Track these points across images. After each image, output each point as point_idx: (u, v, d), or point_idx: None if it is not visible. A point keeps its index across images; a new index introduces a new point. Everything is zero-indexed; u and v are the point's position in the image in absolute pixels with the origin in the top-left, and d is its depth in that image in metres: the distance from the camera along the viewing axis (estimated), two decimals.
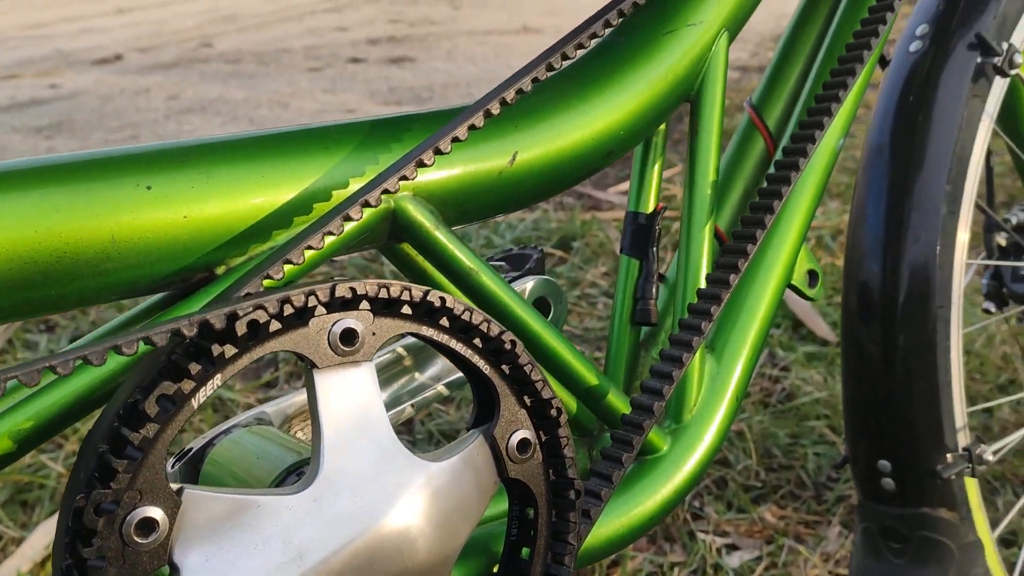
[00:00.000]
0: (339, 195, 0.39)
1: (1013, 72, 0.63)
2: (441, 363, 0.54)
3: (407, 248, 0.42)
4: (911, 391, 0.61)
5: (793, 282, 0.55)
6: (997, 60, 0.62)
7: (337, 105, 3.36)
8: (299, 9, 6.00)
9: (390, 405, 0.51)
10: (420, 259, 0.43)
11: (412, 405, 0.52)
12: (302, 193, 0.39)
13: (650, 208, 0.54)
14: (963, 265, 0.65)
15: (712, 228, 0.53)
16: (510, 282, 0.59)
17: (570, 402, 0.48)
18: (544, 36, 4.66)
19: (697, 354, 0.50)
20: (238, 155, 0.39)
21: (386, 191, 0.39)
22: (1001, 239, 0.82)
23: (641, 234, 0.54)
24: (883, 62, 0.68)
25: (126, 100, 3.48)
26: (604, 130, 0.47)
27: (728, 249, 0.52)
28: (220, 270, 0.37)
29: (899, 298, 0.62)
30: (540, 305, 0.57)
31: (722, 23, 0.51)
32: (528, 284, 0.57)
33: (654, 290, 0.53)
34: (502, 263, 0.62)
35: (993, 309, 0.83)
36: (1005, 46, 0.63)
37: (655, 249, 0.54)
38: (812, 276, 0.56)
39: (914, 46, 0.65)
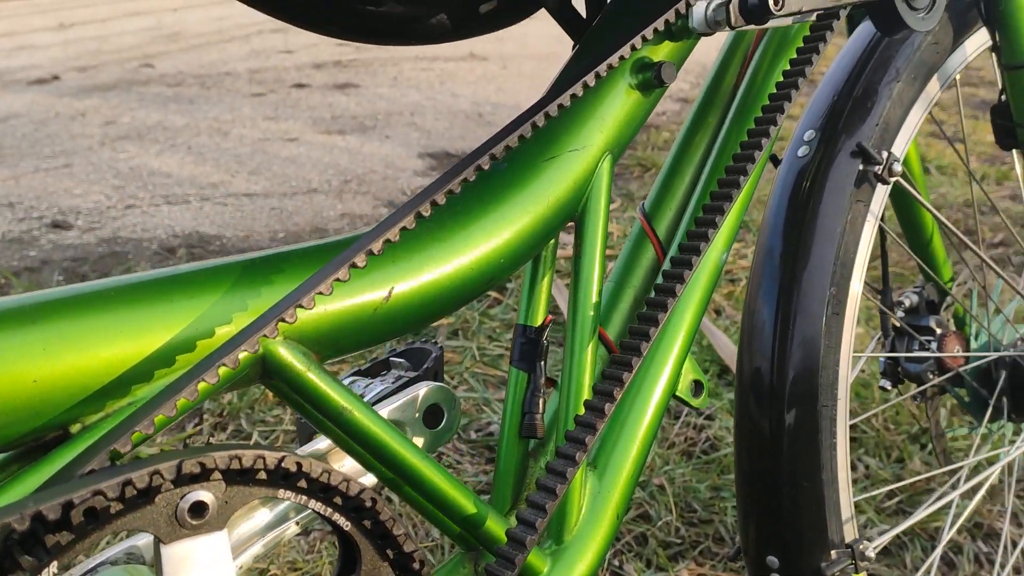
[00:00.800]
0: (205, 345, 0.39)
1: (893, 179, 0.66)
2: None
3: (281, 385, 0.43)
4: (796, 490, 0.63)
5: (678, 393, 0.57)
6: (878, 168, 0.65)
7: (279, 133, 3.34)
8: (245, 29, 5.95)
9: (274, 525, 0.51)
10: (294, 395, 0.43)
11: (297, 523, 0.52)
12: (164, 345, 0.39)
13: (539, 321, 0.55)
14: (850, 360, 0.67)
15: (595, 343, 0.55)
16: (404, 386, 0.60)
17: (452, 525, 0.48)
18: (489, 63, 4.69)
19: (579, 472, 0.51)
20: (94, 306, 0.38)
21: (257, 338, 0.39)
22: (896, 320, 0.85)
23: (529, 348, 0.55)
24: (775, 161, 0.71)
25: (60, 125, 3.41)
26: (484, 259, 0.48)
27: (615, 360, 0.53)
28: (75, 428, 0.37)
29: (784, 399, 0.64)
30: (433, 412, 0.58)
31: (604, 147, 0.52)
32: (421, 391, 0.58)
33: (541, 404, 0.54)
34: (400, 359, 0.63)
35: (889, 387, 0.86)
36: (885, 155, 0.65)
37: (543, 363, 0.55)
38: (697, 386, 0.58)
39: (802, 151, 0.67)
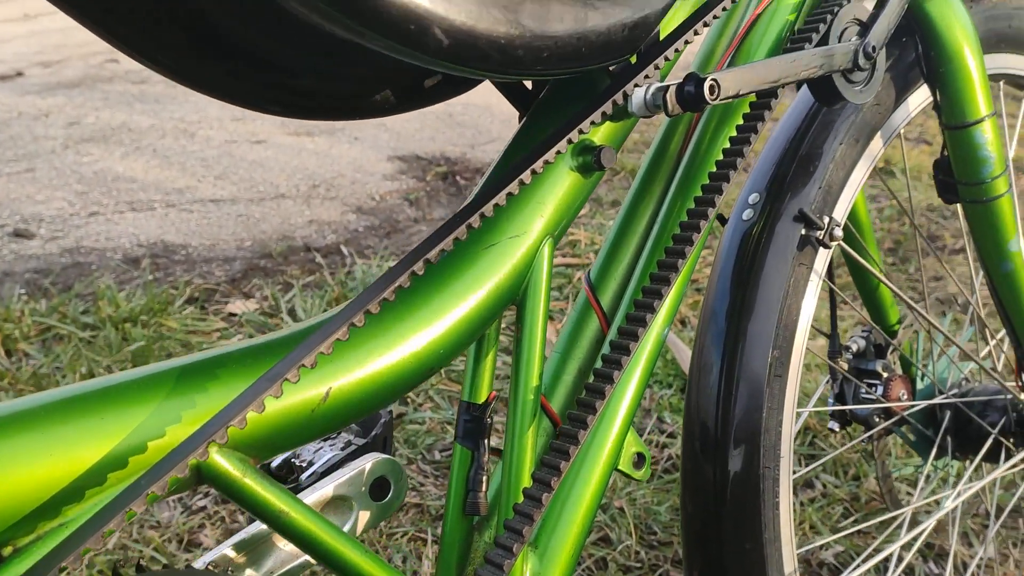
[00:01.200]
0: (138, 462, 0.40)
1: (834, 243, 0.67)
2: (274, 557, 0.54)
3: (218, 488, 0.43)
4: (738, 550, 0.64)
5: (620, 467, 0.58)
6: (819, 233, 0.66)
7: (246, 135, 3.31)
8: None
9: None
10: (232, 497, 0.43)
11: None
12: (96, 463, 0.39)
13: (482, 398, 0.56)
14: (794, 417, 0.68)
15: (539, 416, 0.55)
16: (353, 454, 0.60)
17: None
18: None
19: (521, 553, 0.52)
20: (23, 424, 0.38)
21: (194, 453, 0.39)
22: (843, 363, 0.87)
23: (474, 425, 0.56)
24: (722, 220, 0.72)
25: (23, 126, 3.36)
26: (424, 350, 0.49)
27: (561, 432, 0.54)
28: (7, 551, 0.37)
29: (727, 461, 0.65)
30: (380, 485, 0.58)
31: (545, 232, 0.53)
32: (368, 464, 0.58)
33: (484, 481, 0.55)
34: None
35: (837, 428, 0.88)
36: (826, 220, 0.66)
37: (487, 440, 0.55)
38: (640, 458, 0.59)
39: (746, 214, 0.68)
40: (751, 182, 0.69)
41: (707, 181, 0.58)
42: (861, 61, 0.60)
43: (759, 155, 0.71)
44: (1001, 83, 0.87)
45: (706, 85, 0.50)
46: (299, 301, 1.98)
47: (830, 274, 0.77)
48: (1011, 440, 0.85)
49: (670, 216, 0.61)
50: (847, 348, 0.86)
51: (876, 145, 0.73)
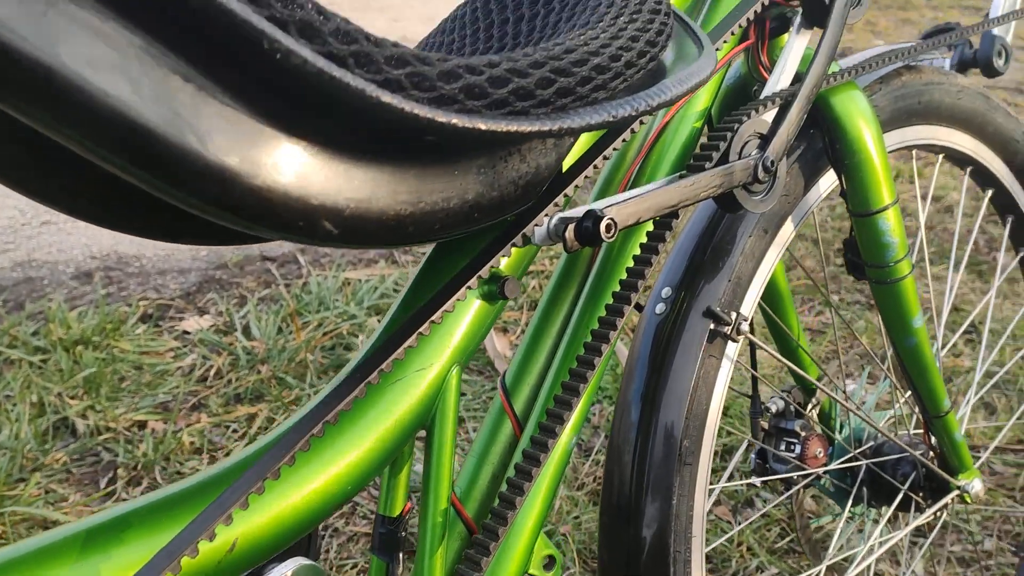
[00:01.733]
0: None
1: (741, 337, 0.70)
2: None
3: None
4: None
5: (531, 570, 0.61)
6: (726, 328, 0.69)
7: None
8: None
9: None
10: None
11: None
12: None
13: (397, 511, 0.58)
14: (705, 498, 0.72)
15: (450, 532, 0.58)
16: (278, 558, 0.63)
17: None
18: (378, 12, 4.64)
19: None
20: None
21: None
22: (764, 422, 0.90)
23: (389, 537, 0.58)
24: (639, 308, 0.75)
25: None
26: (332, 484, 0.51)
27: (475, 542, 0.57)
28: None
29: (641, 546, 0.68)
30: None
31: (452, 361, 0.55)
32: (289, 570, 0.61)
33: None
34: None
35: (759, 483, 0.92)
36: (734, 316, 0.69)
37: (401, 553, 0.58)
38: (551, 560, 0.62)
39: (659, 308, 0.71)
40: (664, 276, 0.72)
41: (611, 301, 0.61)
42: (761, 175, 0.62)
43: (673, 248, 0.74)
44: (913, 151, 0.91)
45: (602, 224, 0.52)
46: (253, 318, 1.98)
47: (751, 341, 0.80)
48: (920, 495, 0.90)
49: (579, 327, 0.63)
50: (767, 409, 0.89)
51: (787, 231, 0.76)
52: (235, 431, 1.59)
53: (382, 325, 0.55)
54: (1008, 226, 1.03)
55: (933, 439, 0.88)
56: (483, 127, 0.40)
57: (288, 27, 0.36)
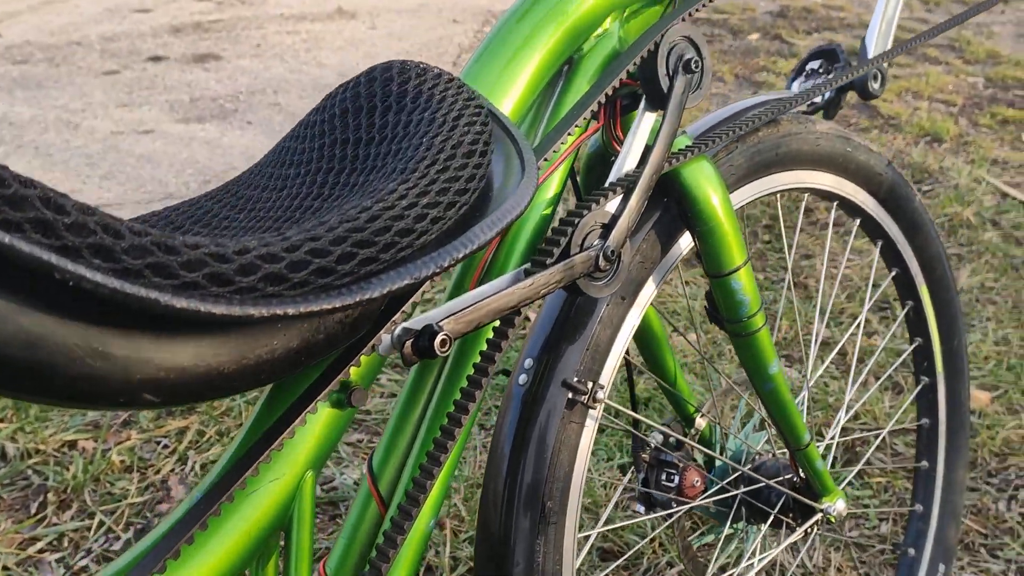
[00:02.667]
0: None
1: (597, 404, 0.75)
2: None
3: None
4: None
5: None
6: (583, 398, 0.74)
7: (133, 124, 3.24)
8: None
9: None
10: None
11: None
12: None
13: None
14: (574, 550, 0.77)
15: None
16: None
17: None
18: (357, 22, 4.58)
19: None
20: None
21: None
22: (646, 455, 0.96)
23: None
24: (507, 373, 0.79)
25: None
26: None
27: None
28: None
29: None
30: None
31: (304, 468, 0.59)
32: None
33: None
34: None
35: (642, 511, 0.98)
36: (590, 385, 0.74)
37: None
38: None
39: (522, 379, 0.75)
40: (526, 347, 0.76)
41: (465, 384, 0.65)
42: (602, 264, 0.67)
43: (535, 319, 0.78)
44: (778, 196, 0.95)
45: (437, 340, 0.56)
46: None
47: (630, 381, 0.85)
48: (790, 515, 0.97)
49: (437, 410, 0.68)
50: (646, 444, 0.95)
51: (647, 292, 0.81)
52: (165, 447, 1.62)
53: (236, 441, 0.59)
54: (879, 248, 1.09)
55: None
56: (283, 312, 0.43)
57: (81, 251, 0.39)
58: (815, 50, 1.08)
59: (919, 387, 1.17)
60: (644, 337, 0.94)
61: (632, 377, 0.95)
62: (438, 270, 0.48)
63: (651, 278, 0.81)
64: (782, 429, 0.90)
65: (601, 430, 1.57)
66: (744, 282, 0.81)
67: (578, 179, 0.83)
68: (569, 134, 0.70)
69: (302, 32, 4.37)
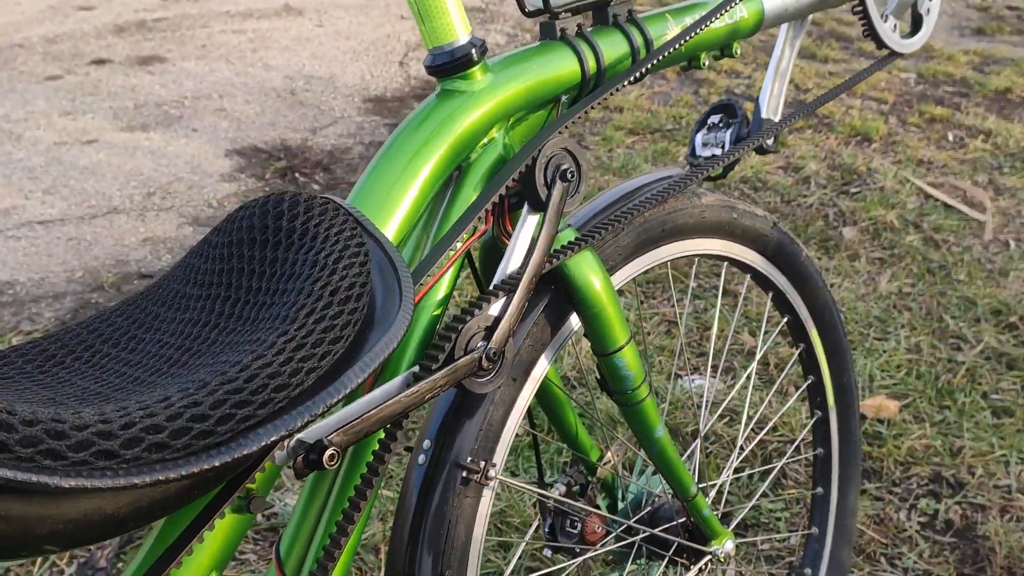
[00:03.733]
0: None
1: (491, 482, 0.82)
2: None
3: None
4: None
5: None
6: (476, 476, 0.81)
7: (76, 133, 3.23)
8: None
9: None
10: None
11: None
12: None
13: None
14: None
15: None
16: None
17: None
18: (304, 20, 4.57)
19: None
20: None
21: None
22: (550, 503, 1.04)
23: None
24: (409, 449, 0.86)
25: None
26: None
27: None
28: None
29: None
30: None
31: (208, 569, 0.66)
32: None
33: None
34: None
35: (550, 554, 1.06)
36: (483, 464, 0.81)
37: None
38: None
39: (421, 458, 0.82)
40: (426, 429, 0.83)
41: (364, 471, 0.72)
42: (485, 365, 0.74)
43: (433, 403, 0.85)
44: (668, 263, 1.03)
45: (325, 455, 0.63)
46: None
47: (533, 411, 0.91)
48: (684, 556, 1.05)
49: (337, 501, 0.74)
50: (557, 488, 1.03)
51: (539, 369, 0.88)
52: None
53: (144, 550, 0.65)
54: (770, 298, 1.17)
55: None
56: (166, 477, 0.50)
57: None
58: (715, 105, 1.15)
59: (814, 419, 1.26)
60: (543, 399, 1.01)
61: (537, 440, 1.02)
62: (311, 419, 0.55)
63: (543, 357, 0.88)
64: (670, 483, 0.98)
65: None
66: (628, 359, 0.88)
67: (477, 268, 0.89)
68: (458, 240, 0.76)
69: (248, 31, 4.36)
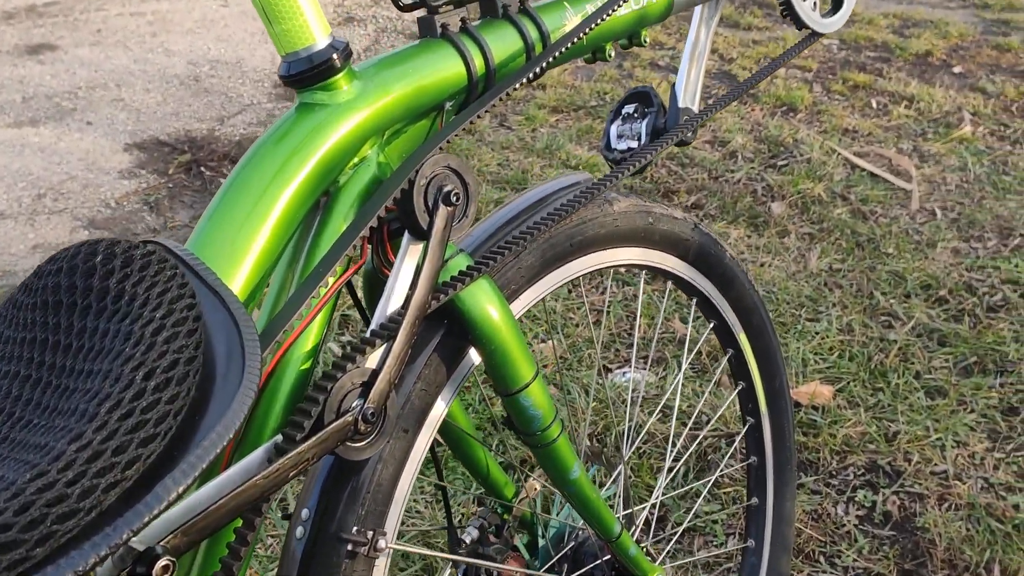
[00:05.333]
0: None
1: (381, 553, 0.72)
2: None
3: None
4: None
5: None
6: (364, 548, 0.71)
7: None
8: None
9: None
10: None
11: None
12: None
13: None
14: None
15: None
16: None
17: None
18: (225, 7, 4.34)
19: None
20: None
21: None
22: (463, 552, 0.94)
23: None
24: (289, 517, 0.75)
25: None
26: None
27: None
28: None
29: None
30: None
31: None
32: None
33: None
34: None
35: None
36: (370, 534, 0.71)
37: None
38: None
39: (299, 531, 0.71)
40: (303, 496, 0.72)
41: (224, 553, 0.61)
42: (362, 428, 0.63)
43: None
44: (582, 279, 0.93)
45: (157, 567, 0.52)
46: None
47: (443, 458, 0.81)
48: None
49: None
50: (462, 541, 0.93)
51: (436, 414, 0.77)
52: None
53: None
54: (695, 304, 1.09)
55: None
56: None
57: None
58: (631, 92, 1.05)
59: (746, 427, 1.19)
60: (447, 437, 0.91)
61: (445, 490, 0.92)
62: (109, 552, 0.43)
63: (439, 400, 0.77)
64: (591, 525, 0.89)
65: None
66: (535, 397, 0.78)
67: (362, 301, 0.78)
68: (328, 279, 0.65)
69: (147, 13, 4.11)
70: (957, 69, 3.63)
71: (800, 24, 1.05)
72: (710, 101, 1.00)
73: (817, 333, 2.00)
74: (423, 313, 0.67)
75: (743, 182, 2.73)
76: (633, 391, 1.76)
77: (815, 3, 1.07)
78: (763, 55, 3.74)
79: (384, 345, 0.65)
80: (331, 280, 0.67)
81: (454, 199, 0.68)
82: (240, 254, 0.63)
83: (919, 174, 2.79)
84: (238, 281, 0.62)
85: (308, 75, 0.67)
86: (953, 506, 1.53)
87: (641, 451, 1.65)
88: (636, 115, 1.04)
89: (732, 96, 1.02)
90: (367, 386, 0.64)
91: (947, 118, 3.18)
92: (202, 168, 2.81)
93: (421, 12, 0.75)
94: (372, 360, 0.65)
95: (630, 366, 1.92)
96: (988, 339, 1.96)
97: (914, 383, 1.83)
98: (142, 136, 3.01)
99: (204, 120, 3.13)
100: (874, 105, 3.29)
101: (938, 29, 4.04)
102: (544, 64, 0.77)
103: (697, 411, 1.74)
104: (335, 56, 0.67)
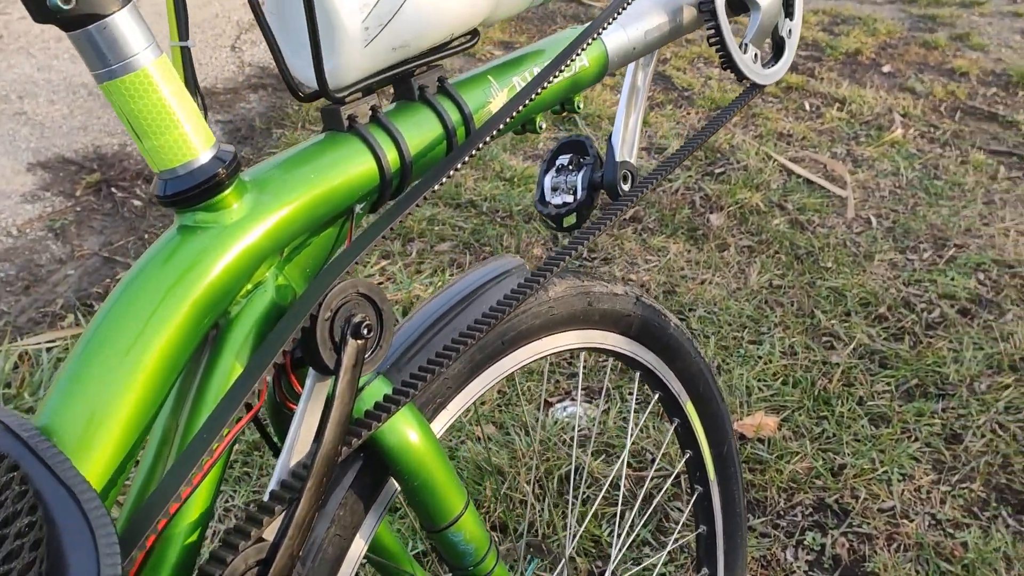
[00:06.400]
0: None
1: None
2: None
3: None
4: None
5: None
6: None
7: None
8: None
9: None
10: None
11: None
12: None
13: None
14: None
15: None
16: None
17: None
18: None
19: None
20: None
21: None
22: None
23: None
24: None
25: None
26: None
27: None
28: None
29: None
30: None
31: None
32: None
33: None
34: None
35: None
36: None
37: None
38: None
39: None
40: None
41: None
42: None
43: None
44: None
45: None
46: None
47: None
48: None
49: None
50: None
51: (356, 549, 0.69)
52: None
53: None
54: (639, 377, 1.02)
55: None
56: None
57: None
58: (565, 141, 0.97)
59: (694, 496, 1.13)
60: (381, 546, 0.82)
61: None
62: None
63: (357, 537, 0.68)
64: None
65: None
66: (466, 530, 0.70)
67: (268, 432, 0.68)
68: (219, 437, 0.55)
69: None
70: (887, 68, 3.64)
71: (741, 76, 0.98)
72: (654, 162, 0.92)
73: (760, 357, 1.95)
74: (333, 465, 0.57)
75: (681, 192, 2.68)
76: (573, 428, 1.68)
77: (756, 55, 1.00)
78: (697, 55, 3.70)
79: (283, 514, 0.55)
80: (225, 430, 0.57)
81: (365, 331, 0.59)
82: (106, 420, 0.53)
83: (853, 180, 2.78)
84: (103, 456, 0.52)
85: (188, 195, 0.56)
86: (902, 546, 1.50)
87: (584, 497, 1.58)
88: (571, 166, 0.96)
89: (678, 159, 0.94)
90: (265, 564, 0.54)
91: (878, 120, 3.18)
92: (112, 188, 2.65)
93: (324, 103, 0.65)
94: (270, 531, 0.55)
95: (571, 399, 1.85)
96: (928, 359, 1.94)
97: (858, 410, 1.80)
98: (46, 154, 2.82)
99: (115, 134, 2.95)
100: (807, 107, 3.27)
101: (867, 26, 4.05)
102: (470, 152, 0.68)
103: (637, 447, 1.68)
104: (220, 171, 0.57)
